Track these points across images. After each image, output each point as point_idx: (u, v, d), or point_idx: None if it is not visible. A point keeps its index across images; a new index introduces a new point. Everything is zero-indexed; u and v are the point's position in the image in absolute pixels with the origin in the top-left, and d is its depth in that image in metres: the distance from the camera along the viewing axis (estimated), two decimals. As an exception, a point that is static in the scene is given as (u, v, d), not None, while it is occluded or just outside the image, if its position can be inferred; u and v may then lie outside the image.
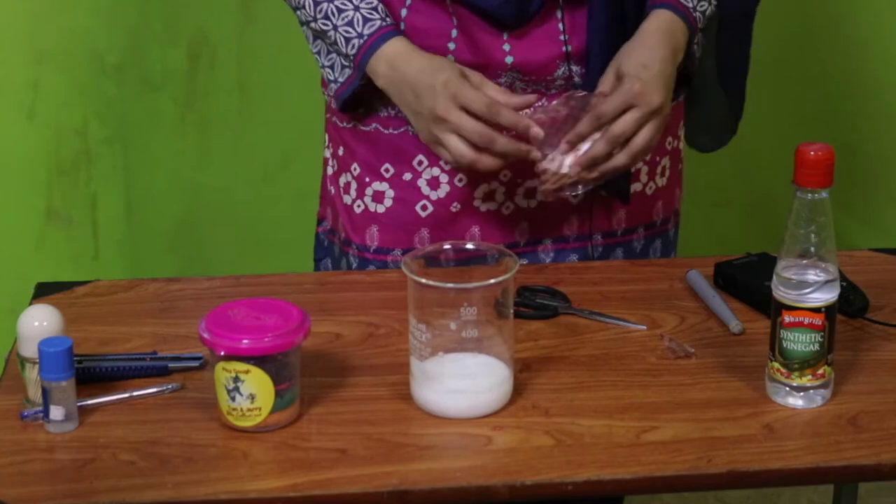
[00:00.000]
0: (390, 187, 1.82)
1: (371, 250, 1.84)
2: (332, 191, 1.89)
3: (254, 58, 2.70)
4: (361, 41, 1.72)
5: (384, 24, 1.72)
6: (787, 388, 1.48)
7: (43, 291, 1.72)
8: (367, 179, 1.83)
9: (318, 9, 1.74)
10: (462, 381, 1.46)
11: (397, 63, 1.70)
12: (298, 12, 1.78)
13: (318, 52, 1.80)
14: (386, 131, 1.80)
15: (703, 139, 1.96)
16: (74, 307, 1.68)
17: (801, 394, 1.48)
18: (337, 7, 1.73)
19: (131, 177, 2.78)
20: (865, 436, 1.43)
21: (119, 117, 2.73)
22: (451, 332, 1.45)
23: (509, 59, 1.74)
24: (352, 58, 1.73)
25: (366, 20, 1.72)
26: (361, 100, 1.79)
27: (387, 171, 1.81)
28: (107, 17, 2.67)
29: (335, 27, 1.73)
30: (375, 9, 1.73)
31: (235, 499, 1.33)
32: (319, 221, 1.94)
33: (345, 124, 1.84)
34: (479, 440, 1.42)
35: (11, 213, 2.77)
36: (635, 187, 1.85)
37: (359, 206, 1.84)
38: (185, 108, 2.75)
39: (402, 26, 1.76)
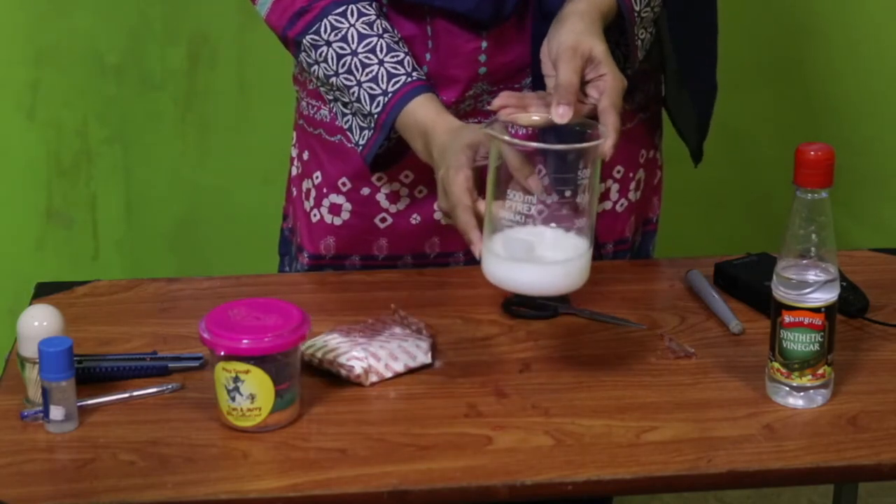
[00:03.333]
0: (347, 200, 1.80)
1: (327, 258, 1.83)
2: (294, 192, 1.87)
3: (254, 58, 2.70)
4: (387, 98, 1.65)
5: (409, 79, 1.65)
6: (787, 388, 1.48)
7: (43, 291, 1.72)
8: (325, 191, 1.81)
9: (342, 62, 1.67)
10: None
11: (429, 140, 1.62)
12: (316, 67, 1.70)
13: (336, 114, 1.75)
14: (350, 144, 1.76)
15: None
16: (74, 307, 1.68)
17: (801, 394, 1.48)
18: (361, 61, 1.66)
19: (131, 177, 2.78)
20: (865, 436, 1.43)
21: (119, 117, 2.74)
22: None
23: (482, 70, 1.71)
24: (375, 116, 1.67)
25: (391, 76, 1.65)
26: (391, 156, 1.73)
27: (343, 185, 1.79)
28: (107, 17, 2.67)
29: (359, 83, 1.67)
30: (401, 62, 1.66)
31: (235, 499, 1.34)
32: (284, 217, 1.93)
33: (312, 130, 1.81)
34: (479, 440, 1.42)
35: (11, 213, 2.77)
36: (605, 205, 1.82)
37: (315, 215, 1.82)
38: (185, 108, 2.75)
39: None
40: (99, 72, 2.70)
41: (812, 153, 1.43)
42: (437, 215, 1.77)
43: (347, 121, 1.71)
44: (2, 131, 2.72)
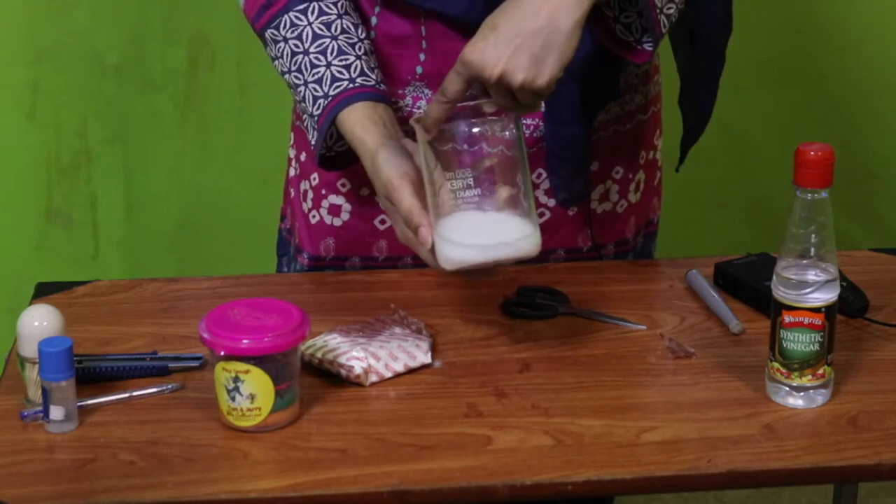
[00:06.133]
0: (346, 201, 1.79)
1: (327, 260, 1.82)
2: (293, 193, 1.87)
3: (254, 58, 2.70)
4: (326, 102, 1.63)
5: (351, 85, 1.63)
6: (787, 388, 1.48)
7: (43, 291, 1.72)
8: (324, 192, 1.80)
9: (294, 60, 1.66)
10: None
11: (360, 155, 1.61)
12: (276, 63, 1.71)
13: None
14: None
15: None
16: (74, 307, 1.68)
17: (801, 394, 1.48)
18: (311, 61, 1.65)
19: (131, 177, 2.78)
20: (865, 436, 1.43)
21: (119, 117, 2.74)
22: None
23: None
24: (316, 118, 1.65)
25: (334, 80, 1.64)
26: (341, 160, 1.71)
27: (343, 185, 1.79)
28: (107, 17, 2.67)
29: (306, 83, 1.65)
30: (348, 67, 1.64)
31: (235, 499, 1.34)
32: (282, 218, 1.93)
33: None
34: (479, 440, 1.42)
35: (11, 213, 2.77)
36: (605, 206, 1.82)
37: (314, 216, 1.82)
38: (185, 108, 2.75)
39: (373, 34, 1.72)
40: (99, 72, 2.70)
41: (812, 153, 1.43)
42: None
43: (305, 119, 1.71)
44: (2, 131, 2.72)
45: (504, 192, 1.47)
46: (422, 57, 1.72)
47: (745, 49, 2.82)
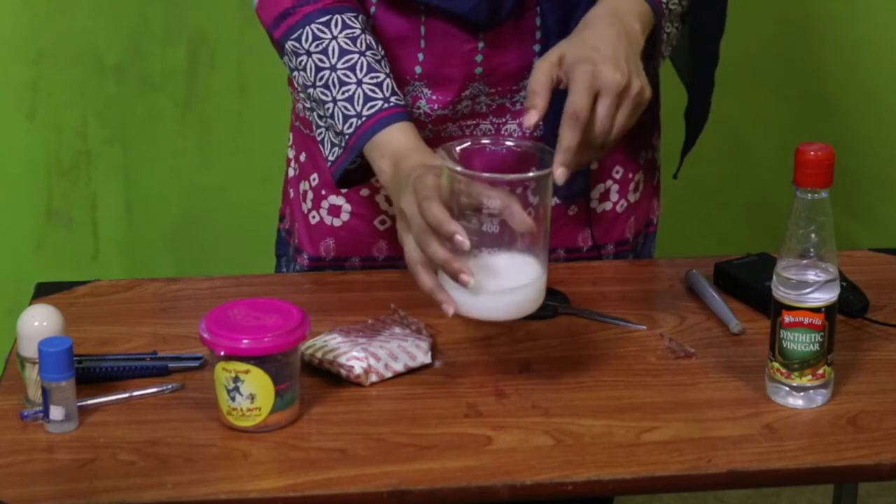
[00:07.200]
0: (347, 202, 1.79)
1: (327, 260, 1.82)
2: (292, 194, 1.86)
3: (254, 58, 2.70)
4: (360, 122, 1.60)
5: (386, 105, 1.60)
6: (787, 388, 1.48)
7: (43, 291, 1.72)
8: (324, 192, 1.80)
9: (320, 76, 1.63)
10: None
11: (400, 163, 1.56)
12: (297, 74, 1.67)
13: (312, 123, 1.71)
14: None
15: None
16: (74, 307, 1.68)
17: (801, 394, 1.48)
18: (339, 78, 1.62)
19: (131, 177, 2.78)
20: (865, 436, 1.43)
21: (119, 117, 2.74)
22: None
23: (478, 70, 1.71)
24: (346, 137, 1.62)
25: (367, 99, 1.61)
26: (363, 174, 1.68)
27: None
28: (107, 17, 2.68)
29: (334, 100, 1.62)
30: (380, 85, 1.62)
31: (235, 499, 1.34)
32: (280, 218, 1.92)
33: (308, 132, 1.79)
34: (479, 440, 1.42)
35: (11, 213, 2.77)
36: (605, 206, 1.82)
37: (314, 217, 1.81)
38: (185, 108, 2.75)
39: None
40: (99, 72, 2.71)
41: (812, 153, 1.43)
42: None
43: (321, 133, 1.68)
44: (2, 131, 2.72)
45: (520, 252, 1.46)
46: (420, 57, 1.71)
47: (744, 49, 2.82)
